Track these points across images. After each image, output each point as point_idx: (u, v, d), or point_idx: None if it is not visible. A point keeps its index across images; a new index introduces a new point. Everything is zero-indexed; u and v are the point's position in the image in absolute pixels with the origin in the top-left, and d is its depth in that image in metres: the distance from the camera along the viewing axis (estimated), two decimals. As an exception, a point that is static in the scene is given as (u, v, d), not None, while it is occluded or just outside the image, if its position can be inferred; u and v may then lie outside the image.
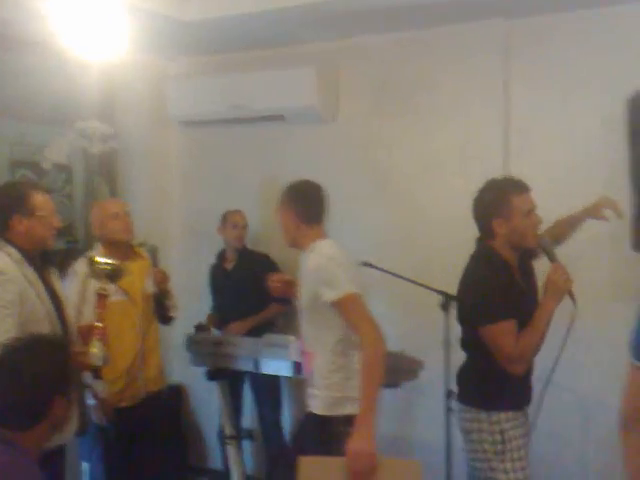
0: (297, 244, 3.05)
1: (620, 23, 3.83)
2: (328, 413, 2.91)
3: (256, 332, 4.24)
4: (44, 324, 2.79)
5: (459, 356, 3.90)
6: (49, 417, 2.12)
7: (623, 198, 3.52)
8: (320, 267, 2.86)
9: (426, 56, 4.34)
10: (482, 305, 2.79)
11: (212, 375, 4.03)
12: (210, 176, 5.14)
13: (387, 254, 4.33)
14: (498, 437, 2.82)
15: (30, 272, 2.85)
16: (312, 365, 2.97)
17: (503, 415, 2.84)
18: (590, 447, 4.00)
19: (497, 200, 2.86)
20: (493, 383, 2.86)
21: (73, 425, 2.86)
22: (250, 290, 4.50)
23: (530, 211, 2.89)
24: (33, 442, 2.11)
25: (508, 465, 2.81)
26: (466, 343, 3.02)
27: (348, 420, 2.79)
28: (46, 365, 2.12)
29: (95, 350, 2.93)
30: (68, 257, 3.82)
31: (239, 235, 4.60)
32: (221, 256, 4.75)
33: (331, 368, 2.90)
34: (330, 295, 2.80)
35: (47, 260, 3.02)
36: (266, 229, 4.81)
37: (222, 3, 4.09)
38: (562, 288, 2.78)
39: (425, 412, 4.23)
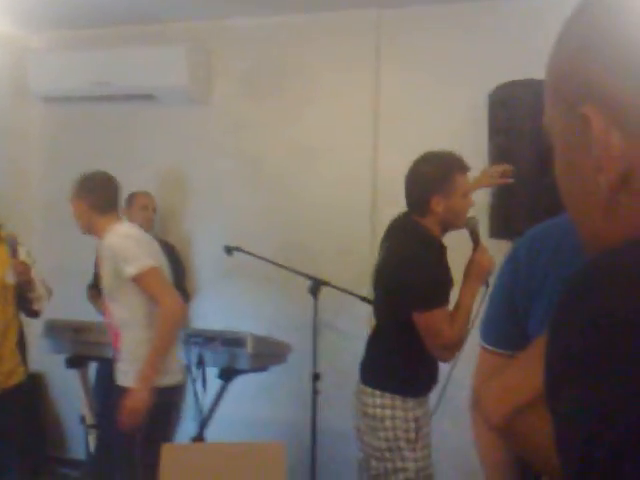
0: (92, 232, 3.17)
1: (488, 17, 3.96)
2: None
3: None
4: None
5: (327, 340, 3.97)
6: None
7: (485, 190, 3.66)
8: (116, 245, 3.01)
9: (299, 41, 4.34)
10: (418, 289, 2.59)
11: (71, 363, 3.88)
12: (75, 155, 4.93)
13: (258, 238, 4.30)
14: (412, 424, 2.67)
15: None
16: (120, 342, 3.10)
17: (416, 401, 2.70)
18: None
19: (440, 176, 2.70)
20: (412, 368, 2.70)
21: None
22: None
23: (467, 192, 2.75)
24: None
25: (419, 454, 2.67)
26: (386, 326, 2.80)
27: (160, 391, 2.98)
28: None
29: None
30: None
31: (148, 217, 4.31)
32: None
33: (139, 342, 3.03)
34: (129, 270, 2.94)
35: None
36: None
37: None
38: (487, 270, 2.69)
39: (292, 395, 4.25)
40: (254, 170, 4.48)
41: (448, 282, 2.75)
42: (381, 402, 2.68)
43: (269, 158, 4.44)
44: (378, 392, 2.69)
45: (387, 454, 2.66)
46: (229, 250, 4.04)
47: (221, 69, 4.55)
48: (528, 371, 0.95)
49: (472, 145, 3.86)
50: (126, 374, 3.06)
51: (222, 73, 4.55)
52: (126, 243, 3.01)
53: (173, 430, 3.19)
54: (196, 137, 4.60)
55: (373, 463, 2.69)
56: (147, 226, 4.29)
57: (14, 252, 3.51)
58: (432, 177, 2.73)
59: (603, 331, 0.58)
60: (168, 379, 3.06)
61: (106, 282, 3.08)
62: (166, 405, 3.06)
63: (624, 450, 0.55)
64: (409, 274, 2.61)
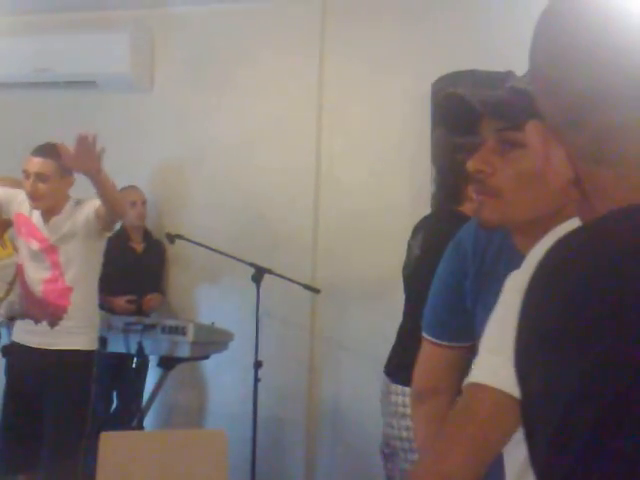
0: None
1: (433, 7, 4.00)
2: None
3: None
4: None
5: (268, 328, 3.96)
6: None
7: (427, 178, 3.71)
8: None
9: (244, 29, 4.32)
10: None
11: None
12: (12, 143, 4.82)
13: (202, 226, 4.28)
14: None
15: None
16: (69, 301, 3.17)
17: None
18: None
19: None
20: None
21: None
22: (154, 277, 4.28)
23: None
24: None
25: None
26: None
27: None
28: None
29: None
30: None
31: (140, 213, 4.22)
32: (123, 234, 4.23)
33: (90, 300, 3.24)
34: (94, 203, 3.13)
35: None
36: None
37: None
38: None
39: (234, 383, 4.25)
40: (199, 158, 4.46)
41: None
42: None
43: (212, 147, 4.41)
44: (409, 389, 2.53)
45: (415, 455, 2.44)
46: (171, 238, 4.02)
47: (164, 56, 4.51)
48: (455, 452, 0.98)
49: (415, 134, 3.92)
50: (71, 335, 3.09)
51: (165, 60, 4.52)
52: None
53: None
54: (138, 125, 4.55)
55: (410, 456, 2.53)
56: (140, 221, 4.22)
57: None
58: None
59: (574, 307, 0.60)
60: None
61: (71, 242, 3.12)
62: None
63: (604, 422, 0.56)
64: None
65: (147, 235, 4.32)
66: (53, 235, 3.13)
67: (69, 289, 3.13)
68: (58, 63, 4.42)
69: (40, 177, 3.08)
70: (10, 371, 3.26)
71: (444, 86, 3.67)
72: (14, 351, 3.25)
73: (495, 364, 1.02)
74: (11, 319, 3.51)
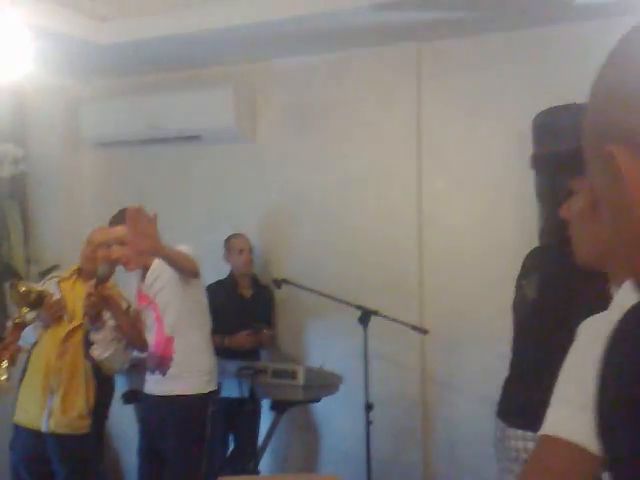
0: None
1: (525, 46, 4.00)
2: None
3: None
4: None
5: (378, 370, 3.96)
6: None
7: (533, 214, 3.66)
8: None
9: (340, 77, 4.42)
10: None
11: (128, 398, 3.95)
12: (126, 197, 5.06)
13: (308, 270, 4.36)
14: None
15: None
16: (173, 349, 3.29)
17: None
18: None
19: None
20: None
21: None
22: (263, 322, 4.34)
23: None
24: None
25: None
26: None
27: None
28: None
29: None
30: None
31: (247, 260, 4.34)
32: (231, 281, 4.39)
33: (193, 347, 3.31)
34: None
35: None
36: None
37: (138, 27, 4.10)
38: None
39: (345, 426, 4.26)
40: (300, 204, 4.55)
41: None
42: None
43: (314, 192, 4.50)
44: (530, 434, 2.38)
45: None
46: (278, 283, 4.10)
47: (266, 107, 4.66)
48: None
49: (518, 170, 3.88)
50: (179, 380, 3.20)
51: (267, 111, 4.66)
52: None
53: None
54: (243, 174, 4.70)
55: None
56: (247, 269, 4.34)
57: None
58: None
59: None
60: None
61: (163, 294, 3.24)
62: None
63: None
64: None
65: (255, 281, 4.42)
66: (150, 291, 3.30)
67: (170, 339, 3.26)
68: (167, 120, 4.63)
69: (119, 242, 3.24)
70: (141, 419, 3.46)
71: (545, 121, 3.64)
72: (143, 400, 3.44)
73: (568, 415, 0.98)
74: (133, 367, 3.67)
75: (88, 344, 3.36)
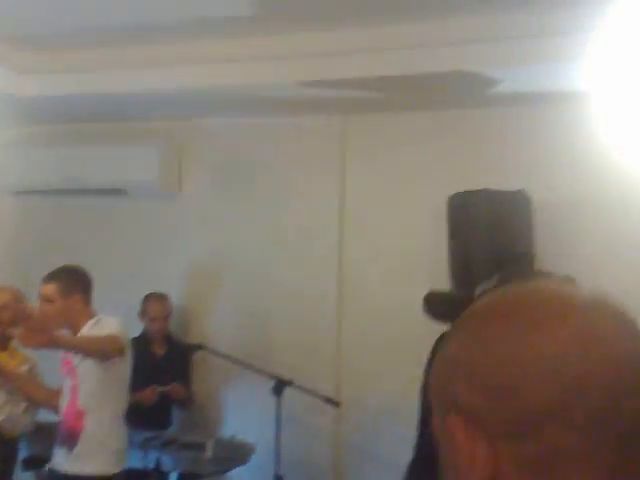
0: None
1: (446, 127, 4.12)
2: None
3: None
4: None
5: (291, 438, 3.95)
6: None
7: (447, 286, 3.74)
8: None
9: (267, 142, 4.46)
10: None
11: (28, 464, 3.85)
12: (45, 249, 4.98)
13: (227, 333, 4.36)
14: None
15: None
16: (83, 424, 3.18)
17: None
18: None
19: None
20: None
21: None
22: (176, 378, 4.25)
23: None
24: None
25: None
26: None
27: None
28: None
29: None
30: None
31: (160, 327, 4.26)
32: (145, 339, 4.27)
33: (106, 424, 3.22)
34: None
35: None
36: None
37: (61, 82, 4.05)
38: None
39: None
40: (222, 263, 4.55)
41: None
42: None
43: (236, 252, 4.51)
44: None
45: None
46: (193, 348, 4.07)
47: (191, 165, 4.66)
48: None
49: (433, 242, 3.97)
50: (85, 459, 3.11)
51: (192, 169, 4.66)
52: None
53: None
54: (166, 231, 4.67)
55: None
56: (160, 333, 4.26)
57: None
58: None
59: None
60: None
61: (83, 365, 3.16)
62: None
63: None
64: None
65: (170, 339, 4.37)
66: (74, 358, 3.21)
67: (82, 413, 3.17)
68: (89, 172, 4.58)
69: (46, 300, 3.25)
70: None
71: (459, 203, 3.75)
72: (48, 474, 3.32)
73: None
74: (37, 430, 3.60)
75: None
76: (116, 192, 4.68)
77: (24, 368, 3.53)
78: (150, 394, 4.02)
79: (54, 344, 2.90)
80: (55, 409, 3.33)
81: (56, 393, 3.36)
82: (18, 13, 3.55)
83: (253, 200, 4.48)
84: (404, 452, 3.05)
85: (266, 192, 4.46)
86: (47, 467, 3.34)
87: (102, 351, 3.08)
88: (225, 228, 4.55)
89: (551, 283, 0.77)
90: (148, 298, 4.28)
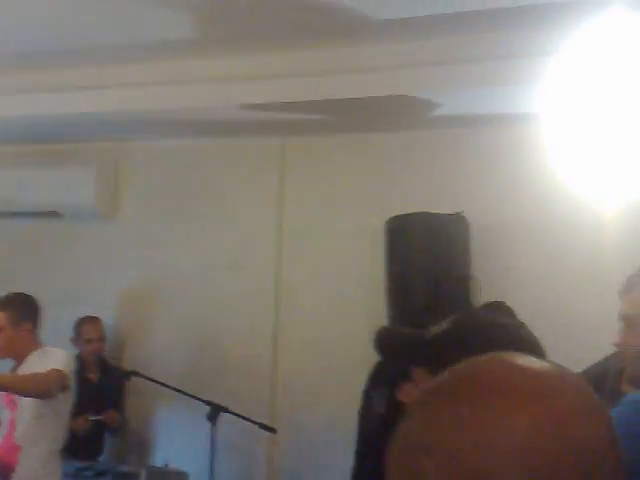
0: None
1: (382, 149, 4.15)
2: None
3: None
4: None
5: (226, 463, 3.87)
6: None
7: (383, 306, 3.74)
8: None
9: (204, 163, 4.44)
10: None
11: None
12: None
13: (161, 357, 4.29)
14: None
15: None
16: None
17: None
18: None
19: None
20: None
21: None
22: (110, 404, 4.16)
23: None
24: None
25: None
26: None
27: None
28: None
29: None
30: None
31: (95, 349, 4.18)
32: (79, 363, 3.98)
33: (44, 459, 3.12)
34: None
35: None
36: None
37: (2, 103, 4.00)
38: None
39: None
40: (158, 287, 4.48)
41: None
42: None
43: (173, 275, 4.45)
44: None
45: None
46: (126, 375, 3.98)
47: (128, 187, 4.60)
48: None
49: (371, 265, 3.98)
50: None
51: (129, 191, 4.60)
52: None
53: None
54: (102, 253, 4.58)
55: None
56: (94, 356, 4.17)
57: None
58: None
59: None
60: None
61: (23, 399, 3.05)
62: None
63: None
64: None
65: (104, 364, 4.26)
66: None
67: (17, 448, 3.08)
68: (23, 194, 4.49)
69: None
70: None
71: (397, 226, 3.77)
72: None
73: None
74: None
75: None
76: (51, 215, 4.60)
77: None
78: (83, 423, 3.90)
79: None
80: None
81: None
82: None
83: (190, 222, 4.44)
84: (340, 476, 3.03)
85: (203, 214, 4.43)
86: None
87: (42, 391, 2.99)
88: (161, 251, 4.49)
89: (511, 356, 0.75)
90: (81, 321, 4.21)
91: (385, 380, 2.74)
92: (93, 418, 3.95)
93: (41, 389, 2.98)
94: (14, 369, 3.20)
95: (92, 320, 4.22)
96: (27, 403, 3.02)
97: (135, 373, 3.93)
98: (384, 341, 2.29)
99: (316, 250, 4.21)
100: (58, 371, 3.03)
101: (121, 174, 4.60)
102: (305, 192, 4.28)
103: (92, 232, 4.63)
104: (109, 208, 4.58)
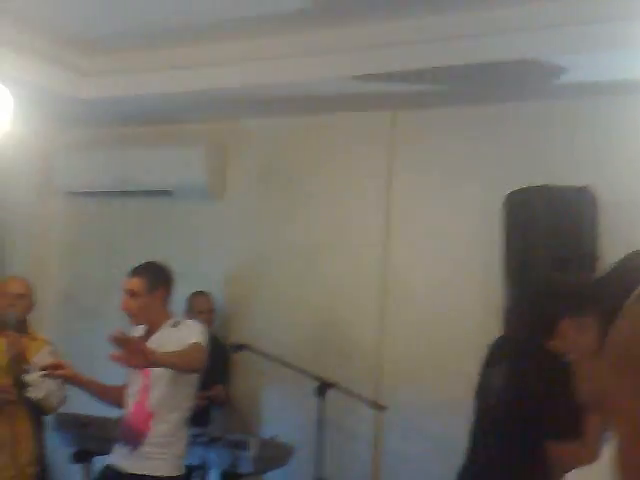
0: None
1: (501, 121, 3.97)
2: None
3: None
4: None
5: (332, 441, 3.82)
6: None
7: (498, 290, 3.59)
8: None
9: (313, 140, 4.41)
10: None
11: (77, 457, 3.81)
12: (94, 247, 5.02)
13: (268, 334, 4.30)
14: None
15: None
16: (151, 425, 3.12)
17: None
18: None
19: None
20: None
21: None
22: (218, 379, 4.19)
23: None
24: None
25: None
26: None
27: None
28: None
29: None
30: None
31: (205, 321, 4.13)
32: None
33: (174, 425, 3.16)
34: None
35: None
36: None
37: (120, 83, 4.12)
38: None
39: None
40: (265, 265, 4.51)
41: None
42: None
43: (279, 254, 4.47)
44: None
45: None
46: (235, 348, 4.01)
47: (236, 166, 4.65)
48: None
49: (486, 244, 3.82)
50: (152, 461, 3.05)
51: (237, 170, 4.65)
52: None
53: None
54: (211, 232, 4.66)
55: None
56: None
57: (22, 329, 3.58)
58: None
59: None
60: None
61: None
62: None
63: None
64: None
65: (213, 340, 4.28)
66: None
67: (150, 415, 3.11)
68: (139, 173, 4.64)
69: (131, 294, 3.21)
70: None
71: (518, 200, 3.60)
72: (104, 473, 3.26)
73: None
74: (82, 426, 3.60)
75: (23, 388, 3.43)
76: (163, 194, 4.72)
77: (45, 350, 3.61)
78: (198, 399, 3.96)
79: (153, 364, 2.87)
80: (109, 403, 3.32)
81: (111, 388, 3.34)
82: (78, 16, 3.63)
83: (298, 200, 4.44)
84: (446, 457, 2.92)
85: (312, 192, 4.41)
86: (105, 463, 3.28)
87: (192, 367, 3.06)
88: (269, 228, 4.52)
89: None
90: (193, 295, 4.29)
91: (507, 355, 2.63)
92: (206, 395, 4.00)
93: (195, 365, 3.05)
94: (145, 336, 3.22)
95: (203, 293, 4.32)
96: (162, 372, 3.03)
97: (246, 346, 3.96)
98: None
99: (427, 227, 4.09)
100: (202, 346, 3.08)
101: (230, 153, 4.65)
102: (416, 166, 4.15)
103: (202, 210, 4.71)
104: (218, 187, 4.65)
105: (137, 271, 3.27)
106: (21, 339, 3.56)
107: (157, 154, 4.61)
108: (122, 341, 2.76)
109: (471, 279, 3.93)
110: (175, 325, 3.21)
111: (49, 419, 3.85)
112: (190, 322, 3.26)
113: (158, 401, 3.09)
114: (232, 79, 3.84)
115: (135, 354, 2.74)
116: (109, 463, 3.23)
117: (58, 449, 3.97)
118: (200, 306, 4.24)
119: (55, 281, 5.13)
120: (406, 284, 4.12)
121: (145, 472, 3.06)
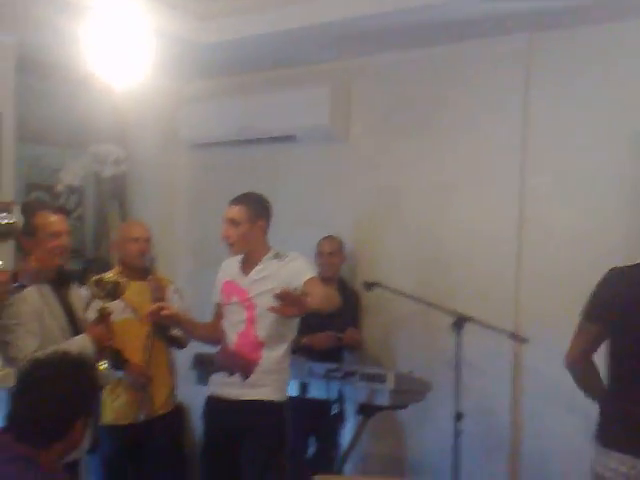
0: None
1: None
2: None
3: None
4: (59, 341, 2.87)
5: (467, 378, 3.80)
6: (68, 437, 2.04)
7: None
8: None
9: (440, 74, 4.27)
10: None
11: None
12: (220, 198, 5.12)
13: (398, 274, 4.26)
14: None
15: (46, 289, 2.93)
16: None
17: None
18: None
19: None
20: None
21: (86, 442, 2.75)
22: (349, 321, 4.28)
23: None
24: (49, 460, 2.02)
25: None
26: None
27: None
28: (72, 385, 2.05)
29: (101, 369, 2.92)
30: (84, 276, 3.80)
31: (332, 265, 4.26)
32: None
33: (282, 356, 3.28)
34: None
35: (66, 278, 3.09)
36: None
37: (238, 25, 4.11)
38: None
39: (432, 434, 4.13)
40: (394, 206, 4.45)
41: None
42: None
43: (410, 194, 4.37)
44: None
45: None
46: (368, 286, 4.04)
47: (361, 106, 4.57)
48: None
49: (631, 175, 3.66)
50: (264, 387, 3.16)
51: (362, 110, 4.57)
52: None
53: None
54: (335, 175, 4.64)
55: None
56: (332, 273, 4.22)
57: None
58: None
59: None
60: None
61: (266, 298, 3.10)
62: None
63: None
64: None
65: (342, 284, 4.31)
66: (252, 290, 3.23)
67: (261, 344, 3.20)
68: (262, 120, 4.66)
69: (232, 222, 3.27)
70: (208, 424, 3.37)
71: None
72: (211, 404, 3.35)
73: None
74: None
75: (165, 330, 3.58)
76: (287, 139, 4.72)
77: (170, 289, 3.75)
78: (325, 339, 4.03)
79: (306, 312, 2.95)
80: (214, 342, 3.40)
81: (212, 326, 3.43)
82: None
83: (426, 138, 4.31)
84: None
85: (440, 129, 4.27)
86: (207, 394, 3.37)
87: (336, 306, 3.15)
88: (396, 169, 4.43)
89: None
90: (323, 239, 4.32)
91: None
92: (337, 335, 4.08)
93: (337, 304, 3.16)
94: (245, 266, 3.29)
95: (330, 237, 4.32)
96: (268, 303, 3.03)
97: (378, 284, 3.98)
98: None
99: (565, 161, 3.86)
100: (318, 279, 3.18)
101: (353, 93, 4.57)
102: (555, 95, 3.91)
103: (326, 154, 4.68)
104: (343, 129, 4.59)
105: (239, 200, 3.31)
106: (162, 282, 3.69)
107: (279, 99, 4.60)
108: (284, 295, 2.82)
109: (616, 210, 3.71)
110: (277, 257, 3.24)
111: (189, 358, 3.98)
112: (294, 254, 3.26)
113: (267, 332, 3.17)
114: (354, 9, 3.74)
115: (293, 305, 2.83)
116: (211, 394, 3.32)
117: (196, 388, 4.11)
118: (330, 248, 4.26)
119: (181, 232, 5.29)
120: (543, 222, 3.93)
121: (257, 397, 3.15)
